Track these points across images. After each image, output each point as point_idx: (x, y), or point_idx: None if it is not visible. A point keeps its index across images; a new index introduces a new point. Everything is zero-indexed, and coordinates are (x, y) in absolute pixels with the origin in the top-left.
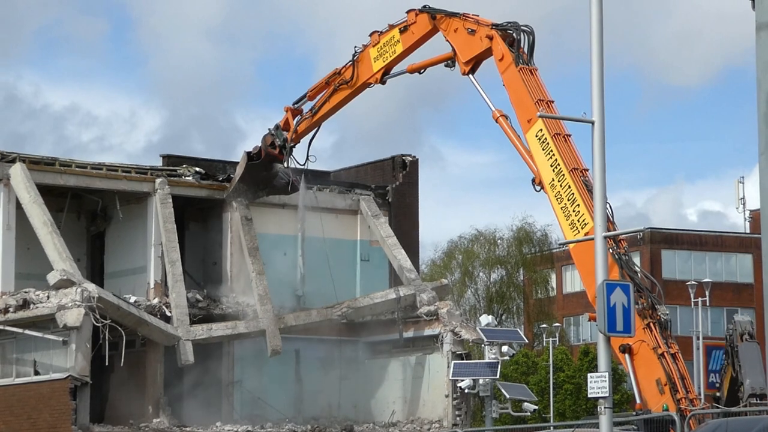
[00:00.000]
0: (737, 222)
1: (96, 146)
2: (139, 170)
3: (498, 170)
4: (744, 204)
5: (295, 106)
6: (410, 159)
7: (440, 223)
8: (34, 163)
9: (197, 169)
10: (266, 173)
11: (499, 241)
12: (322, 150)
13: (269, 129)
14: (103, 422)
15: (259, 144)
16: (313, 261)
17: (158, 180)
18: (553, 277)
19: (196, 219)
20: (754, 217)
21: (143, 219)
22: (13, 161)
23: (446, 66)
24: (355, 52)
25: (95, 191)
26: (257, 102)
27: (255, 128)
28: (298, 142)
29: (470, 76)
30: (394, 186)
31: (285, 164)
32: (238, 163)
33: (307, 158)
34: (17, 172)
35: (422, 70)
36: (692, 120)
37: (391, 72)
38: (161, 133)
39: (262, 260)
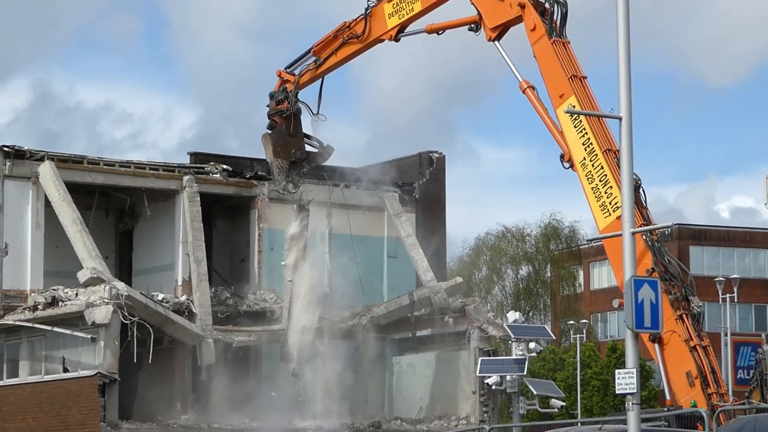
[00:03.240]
0: None
1: (130, 144)
2: (166, 168)
3: (527, 167)
4: None
5: (288, 70)
6: (437, 155)
7: (471, 220)
8: (63, 161)
9: (225, 166)
10: (292, 138)
11: (527, 237)
12: (355, 147)
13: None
14: (132, 419)
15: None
16: (339, 258)
17: (186, 177)
18: (581, 273)
19: (224, 216)
20: None
21: (171, 216)
22: (41, 159)
23: (470, 30)
24: (368, 6)
25: (123, 189)
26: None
27: None
28: (298, 91)
29: (496, 43)
30: (420, 183)
31: (291, 106)
32: (266, 160)
33: (318, 110)
34: (46, 171)
35: (441, 32)
36: (724, 117)
37: (407, 30)
38: (195, 129)
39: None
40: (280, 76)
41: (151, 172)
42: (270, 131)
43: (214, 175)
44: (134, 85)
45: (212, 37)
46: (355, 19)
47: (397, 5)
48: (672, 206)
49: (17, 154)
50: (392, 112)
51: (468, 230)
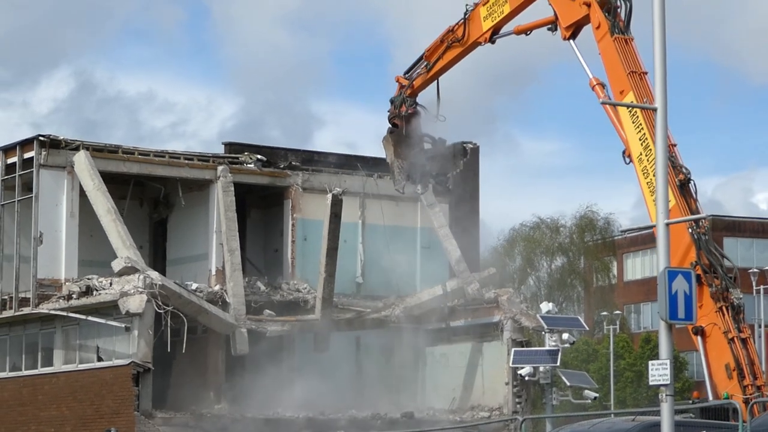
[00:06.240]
0: None
1: (170, 133)
2: (201, 158)
3: (563, 158)
4: None
5: (406, 75)
6: (471, 146)
7: (507, 210)
8: (98, 151)
9: (259, 156)
10: (409, 139)
11: (561, 228)
12: None
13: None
14: (166, 408)
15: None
16: (373, 248)
17: (220, 167)
18: (615, 264)
19: (258, 206)
20: None
21: (205, 206)
22: (77, 149)
23: (549, 29)
24: (467, 10)
25: (158, 178)
26: (333, 90)
27: (331, 117)
28: (414, 95)
29: (570, 41)
30: (454, 173)
31: (405, 110)
32: (300, 150)
33: (438, 113)
34: (81, 160)
35: (528, 32)
36: (764, 108)
37: (500, 32)
38: (237, 119)
39: (337, 262)
40: (398, 81)
41: (186, 161)
42: (390, 134)
43: (248, 165)
44: (175, 74)
45: (254, 27)
46: (457, 23)
47: (491, 8)
48: (710, 198)
49: (53, 144)
50: (434, 101)
51: (503, 221)
